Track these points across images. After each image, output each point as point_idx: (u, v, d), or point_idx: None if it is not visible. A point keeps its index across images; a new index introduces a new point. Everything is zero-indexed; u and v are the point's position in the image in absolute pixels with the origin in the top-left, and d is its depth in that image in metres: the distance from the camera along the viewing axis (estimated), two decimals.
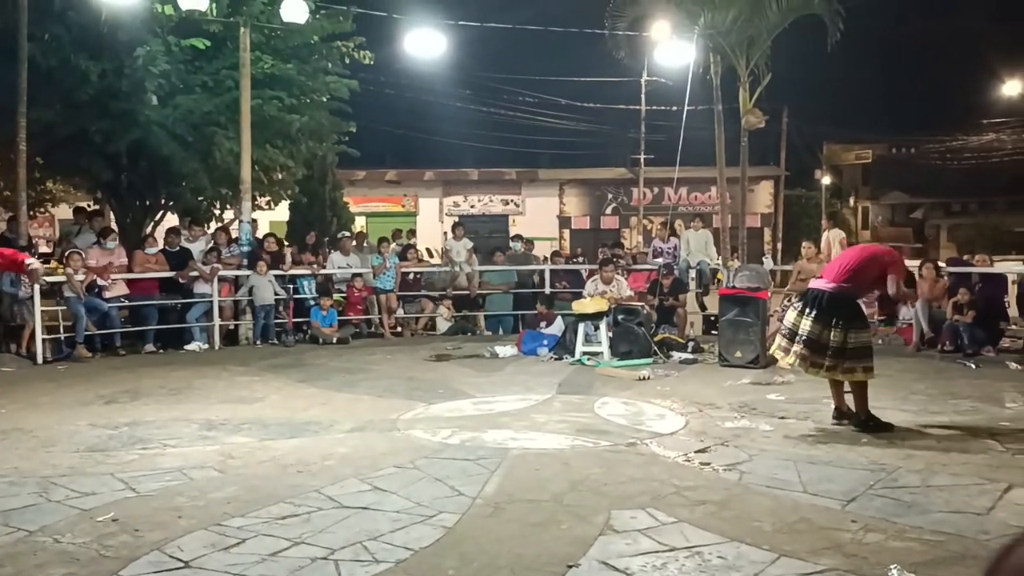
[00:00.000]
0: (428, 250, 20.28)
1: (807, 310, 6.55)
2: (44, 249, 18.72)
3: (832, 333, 6.39)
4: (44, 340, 10.68)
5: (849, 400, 6.65)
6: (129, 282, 11.59)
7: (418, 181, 34.29)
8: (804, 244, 12.74)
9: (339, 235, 14.75)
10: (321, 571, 3.77)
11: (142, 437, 6.41)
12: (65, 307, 10.97)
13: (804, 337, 6.49)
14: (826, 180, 44.36)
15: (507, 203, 34.74)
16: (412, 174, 34.29)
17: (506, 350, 11.10)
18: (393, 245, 14.23)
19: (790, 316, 6.76)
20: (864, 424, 6.47)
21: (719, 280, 13.71)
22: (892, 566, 3.73)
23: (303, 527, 4.31)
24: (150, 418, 7.10)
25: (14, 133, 11.56)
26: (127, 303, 11.63)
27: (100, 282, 11.15)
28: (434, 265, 15.22)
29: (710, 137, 17.68)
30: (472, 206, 34.42)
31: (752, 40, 16.00)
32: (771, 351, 7.00)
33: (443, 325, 13.67)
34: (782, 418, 6.97)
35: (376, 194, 33.16)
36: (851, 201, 50.37)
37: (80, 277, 10.78)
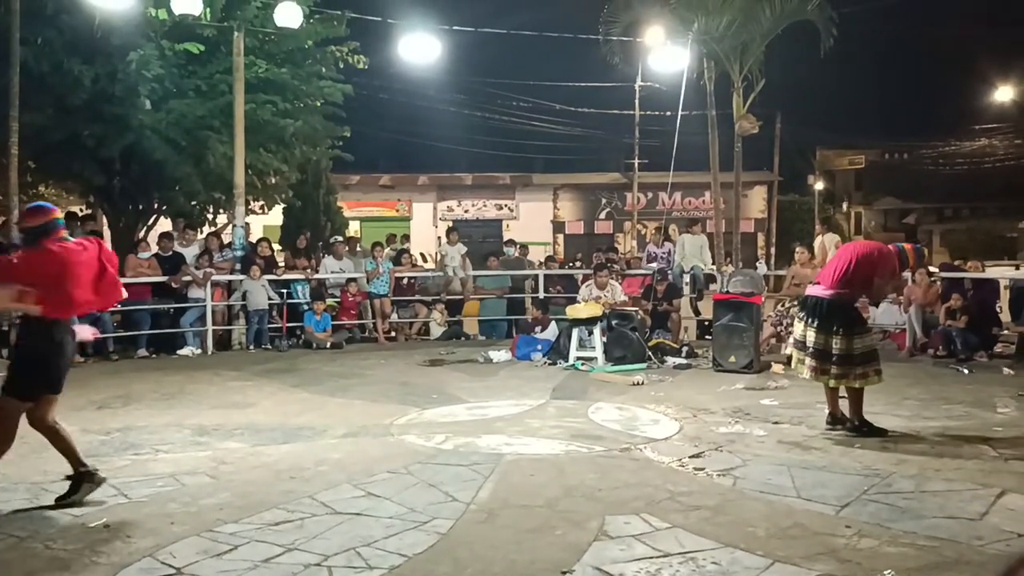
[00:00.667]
0: (422, 255, 20.26)
1: (810, 319, 6.57)
2: None
3: (835, 340, 6.41)
4: None
5: (843, 405, 6.66)
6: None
7: (412, 186, 34.27)
8: (797, 249, 12.77)
9: (331, 240, 14.73)
10: None
11: (134, 443, 6.38)
12: None
13: (811, 348, 6.51)
14: (819, 185, 44.49)
15: (501, 208, 34.73)
16: (406, 179, 34.27)
17: (500, 355, 11.09)
18: (387, 250, 14.21)
19: (798, 328, 6.77)
20: (858, 429, 6.48)
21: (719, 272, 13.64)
22: (886, 572, 3.73)
23: (296, 533, 4.29)
24: (142, 423, 7.07)
25: (6, 137, 11.50)
26: (120, 308, 11.57)
27: None
28: (428, 270, 15.20)
29: (704, 142, 17.68)
30: (466, 211, 34.41)
31: (746, 46, 16.02)
32: (793, 365, 7.00)
33: (437, 330, 13.66)
34: (776, 423, 6.98)
35: (370, 199, 33.12)
36: (844, 206, 50.55)
37: None
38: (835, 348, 6.41)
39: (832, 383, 6.53)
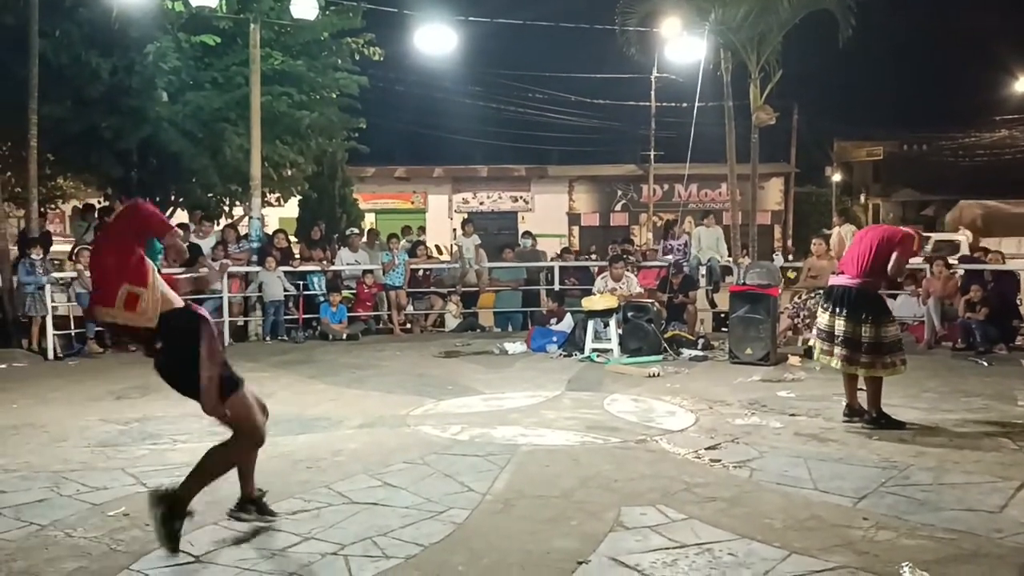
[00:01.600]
0: (437, 247, 20.27)
1: (837, 309, 6.53)
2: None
3: (863, 329, 6.39)
4: (55, 335, 10.73)
5: (861, 398, 6.62)
6: None
7: (427, 178, 34.27)
8: (814, 241, 12.68)
9: (347, 232, 14.77)
10: (331, 566, 3.77)
11: (152, 432, 6.43)
12: (76, 303, 11.01)
13: (841, 337, 6.48)
14: (836, 177, 44.18)
15: (516, 200, 34.69)
16: (421, 171, 34.27)
17: (515, 347, 11.10)
18: (403, 242, 14.23)
19: (823, 318, 6.73)
20: (876, 421, 6.45)
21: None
22: (904, 564, 3.71)
23: (313, 523, 4.31)
24: (160, 413, 7.11)
25: (26, 129, 11.60)
26: None
27: None
28: (443, 262, 15.22)
29: (721, 134, 17.64)
30: (481, 203, 34.40)
31: (763, 36, 15.96)
32: (816, 356, 6.96)
33: (452, 322, 13.67)
34: (792, 415, 6.95)
35: (385, 191, 33.17)
36: (862, 198, 50.16)
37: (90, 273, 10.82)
38: (864, 337, 6.38)
39: (863, 372, 6.49)
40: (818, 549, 3.91)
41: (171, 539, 3.79)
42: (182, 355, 3.86)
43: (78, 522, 4.35)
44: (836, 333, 6.53)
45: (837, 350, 6.53)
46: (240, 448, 4.03)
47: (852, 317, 6.45)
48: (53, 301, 10.81)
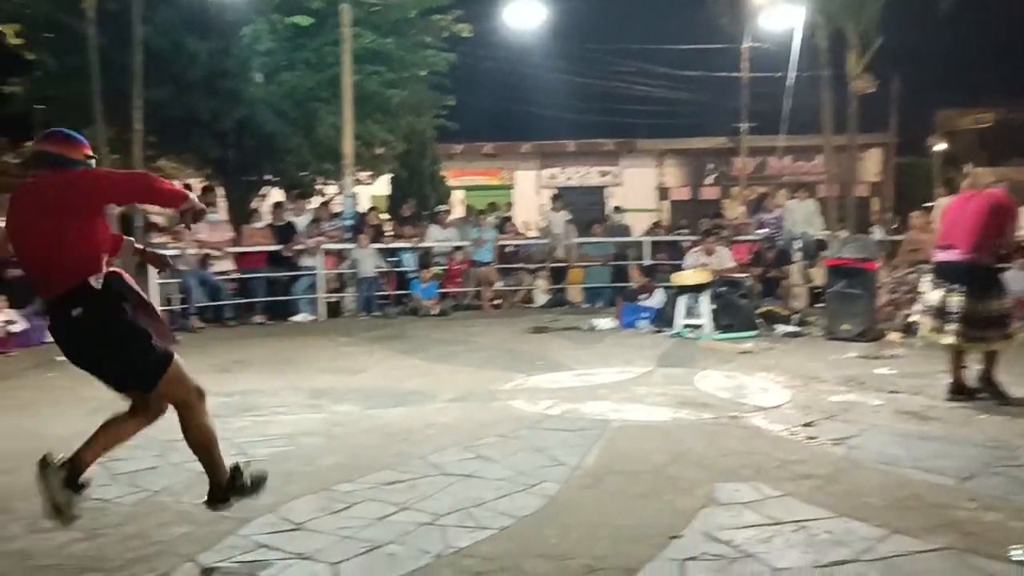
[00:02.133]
0: (525, 223, 20.29)
1: (951, 285, 6.30)
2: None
3: (982, 305, 6.19)
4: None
5: (967, 376, 6.39)
6: (237, 255, 11.96)
7: (515, 154, 34.22)
8: (914, 214, 12.23)
9: (436, 209, 14.92)
10: (427, 536, 3.84)
11: (252, 405, 6.63)
12: (179, 280, 11.43)
13: (959, 314, 6.25)
14: (939, 147, 42.43)
15: (604, 174, 34.38)
16: (509, 147, 34.23)
17: (604, 322, 11.07)
18: (491, 218, 14.30)
19: (934, 294, 6.49)
20: (987, 389, 6.28)
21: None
22: (1015, 547, 3.56)
23: (409, 493, 4.39)
24: (259, 387, 7.34)
25: (129, 114, 12.04)
26: (236, 276, 11.98)
27: (215, 254, 11.55)
28: (532, 238, 15.24)
29: (816, 104, 17.13)
30: (569, 178, 34.18)
31: (862, 2, 15.40)
32: (925, 333, 6.73)
33: (541, 298, 13.70)
34: (892, 392, 6.75)
35: (473, 167, 33.25)
36: (966, 168, 48.09)
37: (192, 251, 11.20)
38: (983, 312, 6.17)
39: (982, 347, 6.30)
40: (920, 529, 3.80)
41: (258, 483, 3.98)
42: (107, 324, 3.67)
43: (185, 489, 4.53)
44: (951, 310, 6.27)
45: (952, 327, 6.27)
46: (197, 410, 4.01)
47: (969, 293, 6.20)
48: (156, 277, 11.22)
